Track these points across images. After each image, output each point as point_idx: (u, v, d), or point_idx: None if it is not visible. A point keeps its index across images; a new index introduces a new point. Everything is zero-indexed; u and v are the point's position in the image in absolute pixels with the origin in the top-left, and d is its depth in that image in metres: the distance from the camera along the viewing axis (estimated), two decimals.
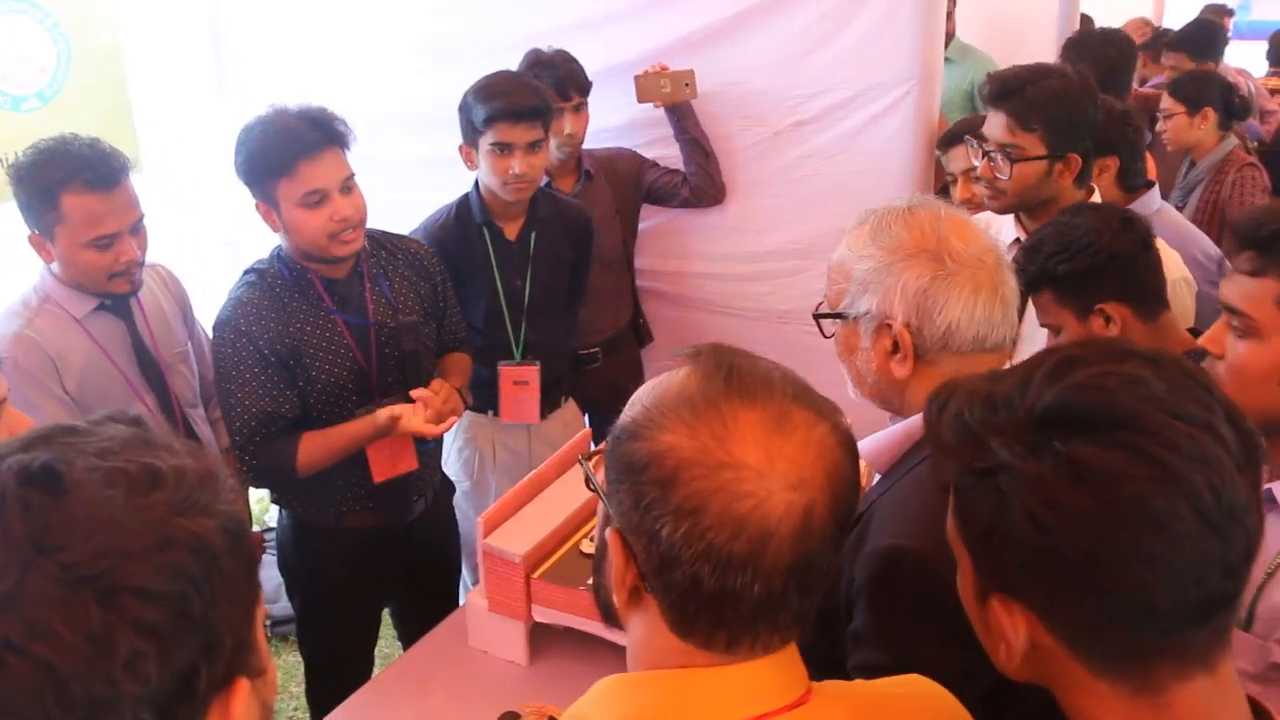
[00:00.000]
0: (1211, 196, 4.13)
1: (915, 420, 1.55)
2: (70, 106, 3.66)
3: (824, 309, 1.65)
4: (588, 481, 1.15)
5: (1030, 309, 2.56)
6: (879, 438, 1.61)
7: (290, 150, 2.40)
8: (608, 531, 1.07)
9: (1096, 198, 2.68)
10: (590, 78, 3.32)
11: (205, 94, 4.17)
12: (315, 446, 2.53)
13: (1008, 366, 1.51)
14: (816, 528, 0.99)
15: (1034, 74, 2.56)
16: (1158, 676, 0.93)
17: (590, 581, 2.15)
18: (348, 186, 2.47)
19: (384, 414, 2.51)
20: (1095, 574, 0.90)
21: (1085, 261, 2.14)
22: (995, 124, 2.58)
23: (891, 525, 1.47)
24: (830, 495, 1.00)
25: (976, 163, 2.65)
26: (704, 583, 0.98)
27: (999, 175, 2.57)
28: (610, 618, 1.14)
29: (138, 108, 3.93)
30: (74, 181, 2.34)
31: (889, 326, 1.54)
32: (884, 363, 1.57)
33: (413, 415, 2.50)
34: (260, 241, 2.69)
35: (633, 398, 1.09)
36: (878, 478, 1.66)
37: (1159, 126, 4.35)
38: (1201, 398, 0.93)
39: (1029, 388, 0.95)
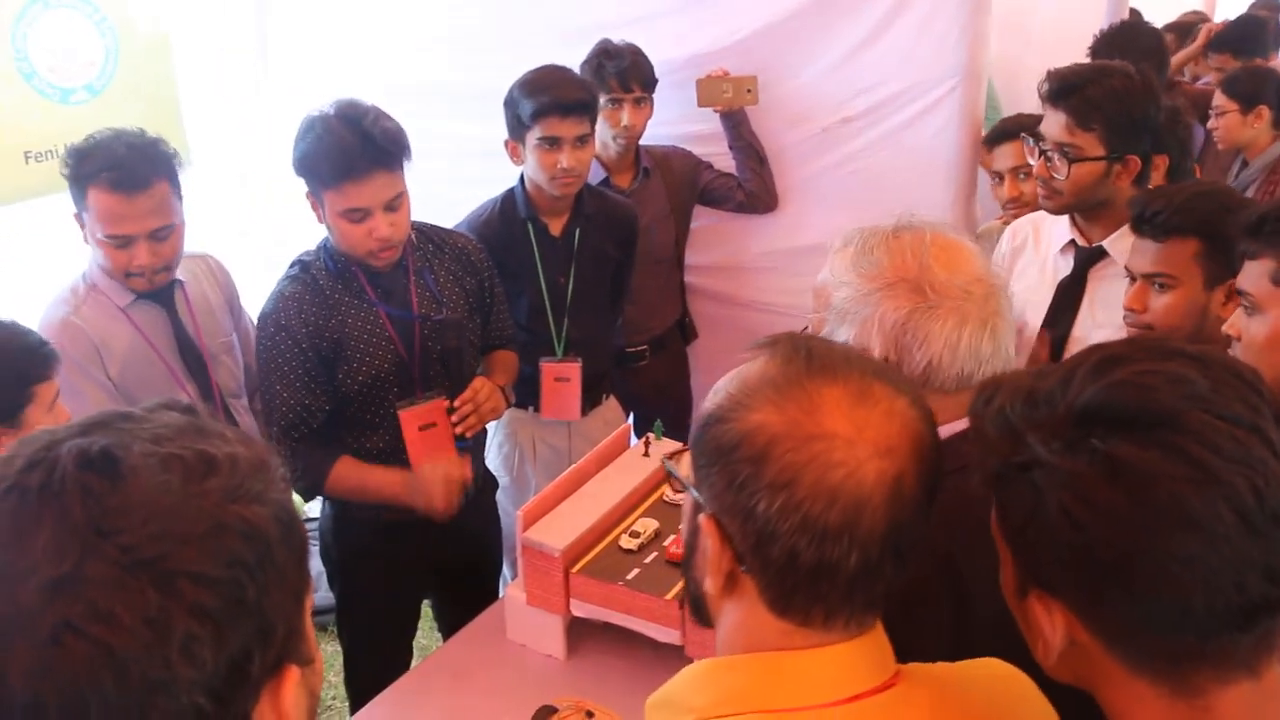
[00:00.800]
0: (1265, 197, 4.04)
1: None
2: (118, 99, 3.70)
3: (809, 332, 1.57)
4: (669, 479, 1.17)
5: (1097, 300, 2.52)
6: None
7: (337, 169, 2.38)
8: (701, 519, 1.07)
9: None
10: None
11: (252, 85, 4.19)
12: (347, 474, 2.55)
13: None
14: (907, 495, 1.01)
15: (1095, 73, 2.50)
16: (1197, 680, 0.91)
17: (629, 576, 2.17)
18: (393, 205, 2.45)
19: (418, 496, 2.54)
20: (1129, 573, 0.89)
21: None
22: (1053, 123, 2.51)
23: None
24: (918, 463, 1.02)
25: (1032, 161, 2.60)
26: (801, 555, 0.99)
27: (1056, 175, 2.50)
28: (700, 611, 1.15)
29: (185, 100, 3.96)
30: (99, 178, 2.39)
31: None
32: None
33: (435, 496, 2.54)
34: (306, 233, 2.71)
35: (714, 387, 1.10)
36: None
37: (1211, 124, 4.27)
38: (1249, 398, 0.91)
39: (1071, 384, 0.95)
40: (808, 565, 0.99)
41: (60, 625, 0.70)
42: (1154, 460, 0.87)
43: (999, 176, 3.29)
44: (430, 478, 2.54)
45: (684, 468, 1.12)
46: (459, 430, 2.60)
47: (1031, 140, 2.60)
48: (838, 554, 0.99)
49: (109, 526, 0.72)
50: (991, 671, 1.17)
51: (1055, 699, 1.18)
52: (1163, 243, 2.16)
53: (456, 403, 2.59)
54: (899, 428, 1.02)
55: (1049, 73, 2.59)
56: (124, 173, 2.38)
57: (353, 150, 2.37)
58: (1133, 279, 2.27)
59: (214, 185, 4.01)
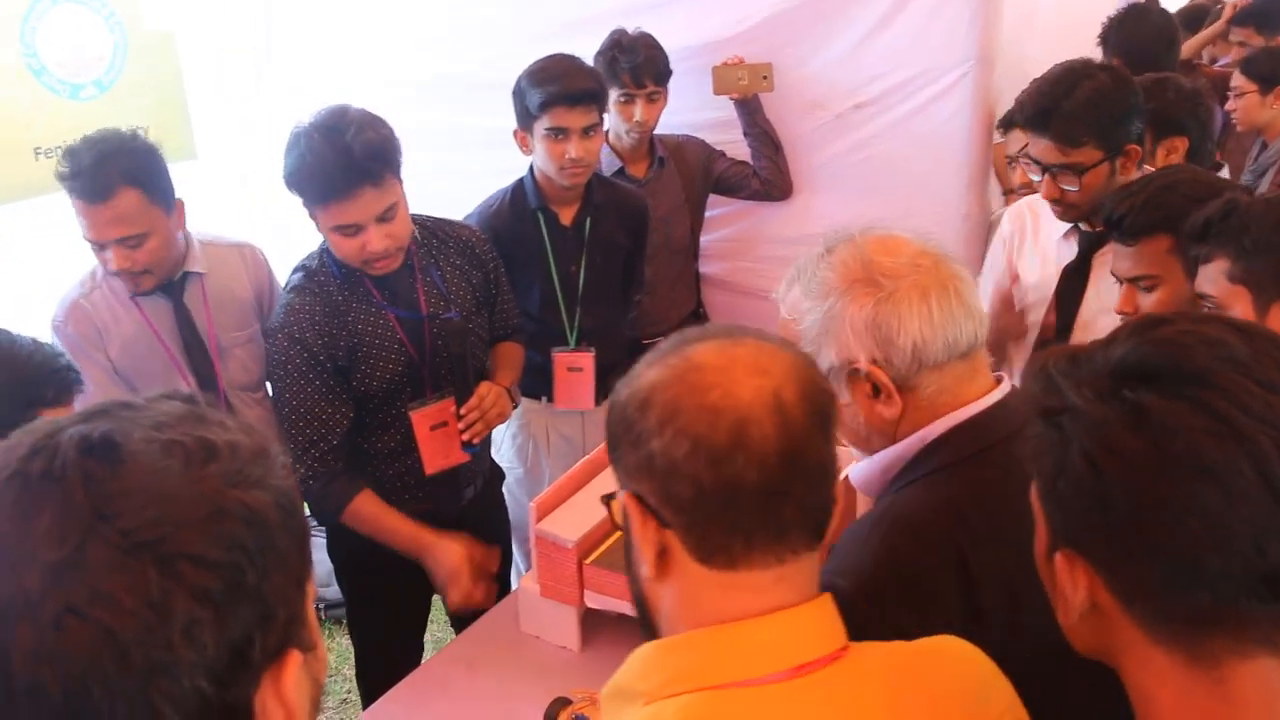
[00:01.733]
0: None
1: (902, 444, 1.48)
2: (126, 94, 3.70)
3: None
4: (610, 515, 1.20)
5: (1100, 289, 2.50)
6: (868, 463, 1.55)
7: (323, 189, 2.34)
8: (623, 497, 1.12)
9: None
10: None
11: (256, 80, 4.19)
12: (365, 512, 2.52)
13: (1008, 385, 1.49)
14: (791, 410, 1.05)
15: (1063, 88, 2.42)
16: (1213, 648, 0.90)
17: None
18: (386, 217, 2.39)
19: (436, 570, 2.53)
20: (1146, 523, 0.89)
21: None
22: (1043, 150, 2.46)
23: (836, 558, 1.43)
24: (797, 384, 1.07)
25: (1035, 178, 2.55)
26: (704, 481, 1.03)
27: (1067, 188, 2.46)
28: (646, 620, 1.16)
29: (192, 95, 3.96)
30: (67, 186, 2.40)
31: (858, 370, 1.45)
32: (870, 409, 1.47)
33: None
34: (310, 228, 2.70)
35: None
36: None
37: (1229, 105, 4.22)
38: None
39: (1114, 343, 0.97)
40: (712, 491, 1.03)
41: (62, 609, 0.70)
42: (1180, 411, 0.88)
43: (1012, 161, 3.27)
44: (452, 560, 2.49)
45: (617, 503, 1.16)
46: (465, 437, 2.58)
47: (1029, 160, 2.54)
48: (735, 471, 1.02)
49: (110, 510, 0.73)
50: (950, 648, 1.18)
51: (1074, 686, 1.17)
52: (1136, 245, 2.15)
53: (462, 410, 2.57)
54: (769, 355, 1.09)
55: (1018, 102, 2.54)
56: (84, 182, 2.37)
57: (334, 170, 2.30)
58: (1120, 282, 2.25)
59: (220, 179, 4.01)
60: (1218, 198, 1.96)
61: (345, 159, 2.30)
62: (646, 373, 1.10)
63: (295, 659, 0.81)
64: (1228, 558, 0.86)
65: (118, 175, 2.38)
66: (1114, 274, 2.23)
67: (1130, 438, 0.89)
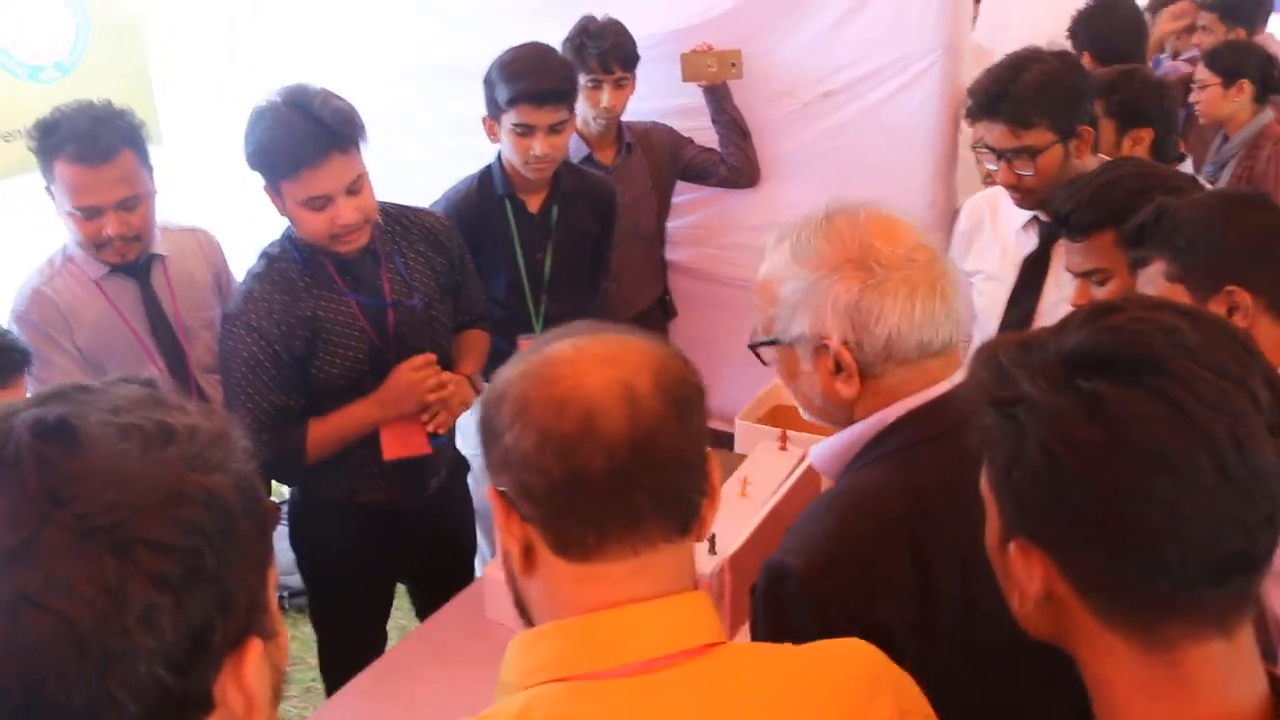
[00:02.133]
0: (1245, 172, 4.04)
1: (861, 425, 1.49)
2: (89, 77, 3.65)
3: (758, 335, 1.56)
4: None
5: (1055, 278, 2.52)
6: (828, 444, 1.55)
7: (293, 157, 2.31)
8: (487, 492, 1.13)
9: None
10: None
11: (222, 64, 4.15)
12: (323, 433, 2.49)
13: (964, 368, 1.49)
14: (644, 401, 1.04)
15: (1011, 72, 2.48)
16: (1168, 633, 0.91)
17: None
18: (354, 188, 2.38)
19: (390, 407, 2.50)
20: (1104, 515, 0.89)
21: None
22: (995, 135, 2.50)
23: (789, 539, 1.43)
24: (651, 374, 1.06)
25: (992, 167, 2.58)
26: (554, 473, 1.03)
27: (1023, 173, 2.50)
28: (523, 612, 1.16)
29: (157, 79, 3.91)
30: (63, 151, 2.38)
31: (827, 347, 1.44)
32: (829, 383, 1.47)
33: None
34: (277, 213, 2.67)
35: None
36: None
37: (1193, 97, 4.25)
38: (1239, 355, 0.91)
39: (1065, 331, 0.96)
40: (562, 481, 1.03)
41: (16, 597, 0.68)
42: (1135, 400, 0.88)
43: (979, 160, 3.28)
44: (400, 383, 2.49)
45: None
46: (430, 429, 2.57)
47: (985, 149, 2.57)
48: (581, 460, 1.02)
49: (65, 494, 0.71)
50: (835, 653, 1.15)
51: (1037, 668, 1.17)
52: (1085, 241, 2.17)
53: (423, 419, 2.56)
54: (624, 347, 1.08)
55: (969, 91, 2.58)
56: (87, 144, 2.37)
57: (305, 137, 2.29)
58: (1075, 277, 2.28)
59: (184, 164, 3.97)
60: (1163, 190, 2.00)
61: (315, 126, 2.30)
62: (507, 370, 1.11)
63: (256, 647, 0.80)
64: (1185, 546, 0.87)
65: (117, 136, 2.41)
66: (1067, 269, 2.26)
67: (1086, 428, 0.89)
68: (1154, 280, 1.85)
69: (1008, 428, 0.95)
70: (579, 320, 1.17)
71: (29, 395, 0.82)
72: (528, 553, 1.09)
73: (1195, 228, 1.80)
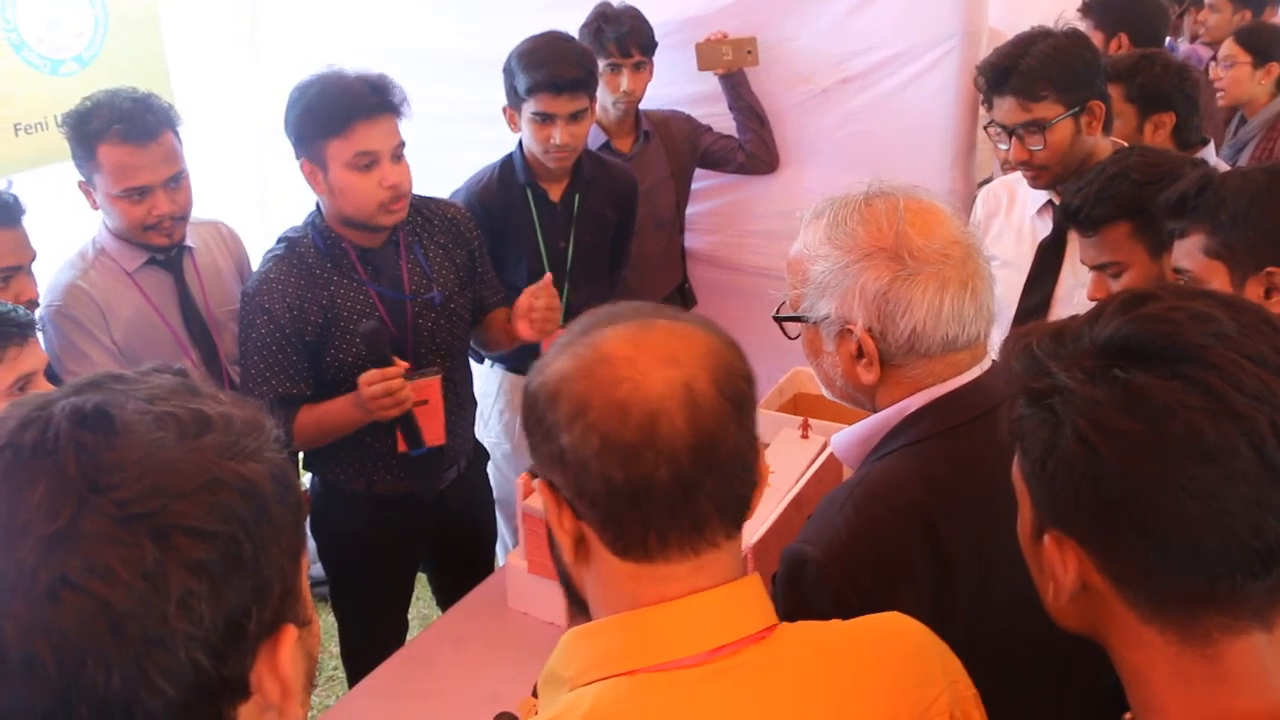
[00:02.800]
0: (1264, 154, 4.00)
1: (882, 415, 1.49)
2: (108, 70, 3.65)
3: (785, 310, 1.55)
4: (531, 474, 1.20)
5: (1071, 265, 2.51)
6: (849, 432, 1.55)
7: (347, 109, 2.36)
8: (537, 485, 1.11)
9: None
10: None
11: (241, 56, 4.15)
12: (307, 422, 2.49)
13: (988, 361, 1.49)
14: (704, 402, 1.02)
15: (1019, 47, 2.50)
16: (1206, 626, 0.90)
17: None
18: (398, 155, 2.43)
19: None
20: (1143, 506, 0.88)
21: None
22: (1005, 110, 2.51)
23: (809, 527, 1.43)
24: (709, 372, 1.03)
25: (1004, 147, 2.58)
26: (614, 478, 1.01)
27: (1033, 149, 2.49)
28: (574, 598, 1.16)
29: (174, 71, 3.92)
30: (109, 133, 2.39)
31: (850, 331, 1.44)
32: (850, 367, 1.47)
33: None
34: (292, 205, 2.68)
35: None
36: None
37: (1214, 73, 4.18)
38: (1276, 342, 0.90)
39: (1099, 320, 0.95)
40: (622, 488, 1.01)
41: (57, 581, 0.69)
42: (1174, 390, 0.87)
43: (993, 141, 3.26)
44: (369, 388, 2.38)
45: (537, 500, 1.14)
46: (537, 329, 2.55)
47: (998, 128, 2.56)
48: (645, 468, 1.00)
49: (104, 482, 0.72)
50: (886, 626, 1.17)
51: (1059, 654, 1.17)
52: (1097, 234, 2.16)
53: (518, 303, 2.55)
54: (681, 340, 1.05)
55: (978, 69, 2.59)
56: (133, 124, 2.40)
57: (361, 92, 2.37)
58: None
59: (202, 155, 3.98)
60: (1171, 177, 1.97)
61: (370, 85, 2.38)
62: (556, 361, 1.07)
63: (291, 633, 0.81)
64: (1225, 537, 0.86)
65: (158, 116, 2.45)
66: (1082, 262, 2.25)
67: (1125, 419, 0.88)
68: (1190, 254, 1.81)
69: (1043, 419, 0.94)
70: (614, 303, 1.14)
71: (65, 384, 0.82)
72: (580, 544, 1.08)
73: (1240, 202, 1.75)
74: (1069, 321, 0.98)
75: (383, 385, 2.35)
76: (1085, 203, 2.13)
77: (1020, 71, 2.46)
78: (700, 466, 1.01)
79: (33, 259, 2.36)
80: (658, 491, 1.01)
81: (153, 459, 0.74)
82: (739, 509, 1.07)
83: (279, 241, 2.55)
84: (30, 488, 0.71)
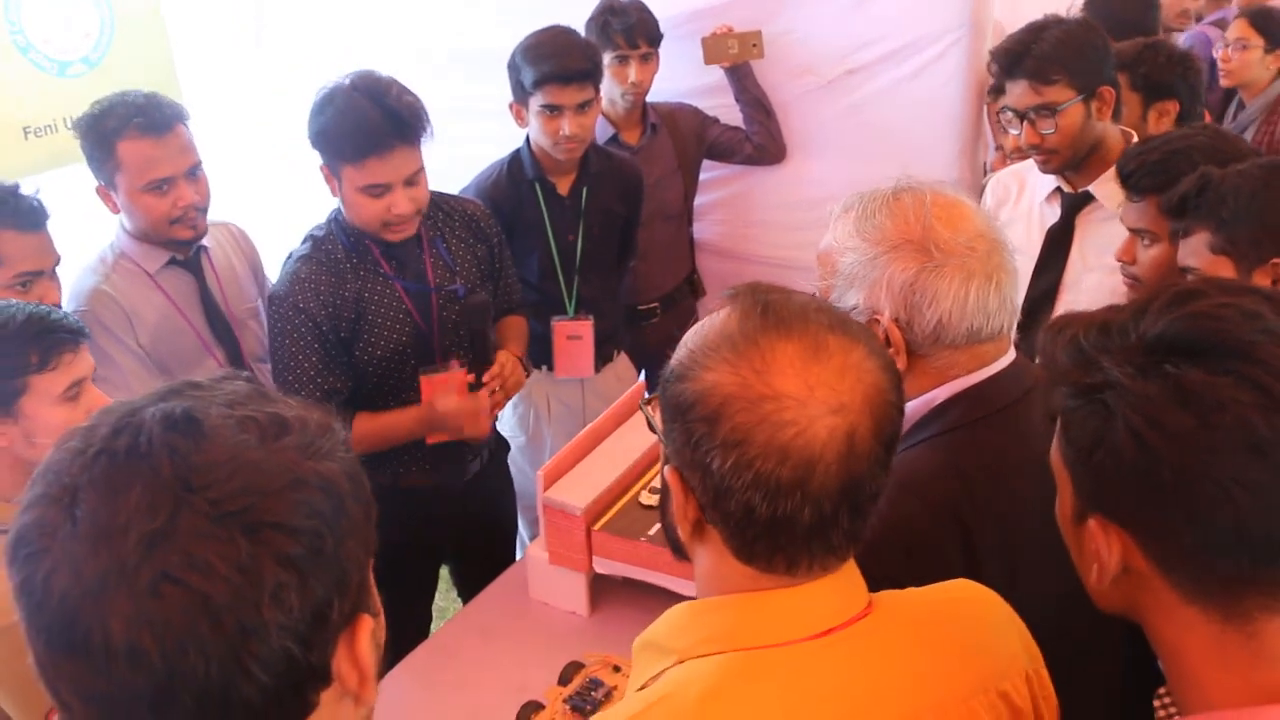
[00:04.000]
0: (1265, 138, 4.02)
1: (910, 405, 1.49)
2: (115, 70, 3.66)
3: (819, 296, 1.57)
4: (650, 424, 1.20)
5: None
6: None
7: (361, 145, 2.36)
8: (667, 470, 1.12)
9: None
10: None
11: (247, 53, 4.15)
12: (367, 429, 2.54)
13: (1013, 353, 1.52)
14: (861, 450, 1.03)
15: (1032, 33, 2.53)
16: (1246, 605, 0.93)
17: (651, 532, 2.18)
18: (413, 180, 2.44)
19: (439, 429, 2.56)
20: (1192, 495, 0.91)
21: None
22: (1017, 94, 2.54)
23: None
24: (872, 418, 1.04)
25: (1014, 131, 2.61)
26: (756, 510, 1.02)
27: (1045, 132, 2.52)
28: (679, 550, 1.18)
29: (181, 70, 3.93)
30: (128, 128, 2.42)
31: (877, 321, 1.48)
32: None
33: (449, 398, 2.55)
34: (305, 203, 2.70)
35: (681, 341, 1.13)
36: None
37: (1221, 54, 4.17)
38: None
39: (1145, 316, 0.97)
40: (763, 519, 1.03)
41: (159, 576, 0.73)
42: (1224, 386, 0.90)
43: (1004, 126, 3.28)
44: (448, 412, 2.54)
45: (656, 414, 1.15)
46: (487, 406, 2.59)
47: (1010, 113, 2.59)
48: (791, 508, 1.02)
49: (198, 482, 0.76)
50: (967, 594, 1.22)
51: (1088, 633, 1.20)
52: (1141, 200, 2.19)
53: (485, 378, 2.59)
54: (852, 382, 1.04)
55: (991, 53, 2.62)
56: (149, 117, 2.43)
57: (376, 126, 2.35)
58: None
59: (209, 156, 3.99)
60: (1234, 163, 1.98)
61: (387, 116, 2.35)
62: (716, 368, 1.05)
63: (367, 623, 0.85)
64: (1272, 525, 0.90)
65: (171, 108, 2.48)
66: (1120, 220, 2.29)
67: (1177, 413, 0.91)
68: (1197, 251, 1.86)
69: (1093, 410, 0.97)
70: (758, 285, 1.12)
71: (145, 394, 0.85)
72: (699, 528, 1.10)
73: (1240, 199, 1.80)
74: (1113, 314, 1.01)
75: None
76: (1140, 169, 2.17)
77: (1034, 55, 2.49)
78: (843, 508, 1.04)
79: (56, 263, 2.37)
80: (797, 528, 1.03)
81: (240, 460, 0.78)
82: (864, 530, 1.10)
83: (304, 241, 2.58)
84: (127, 490, 0.75)
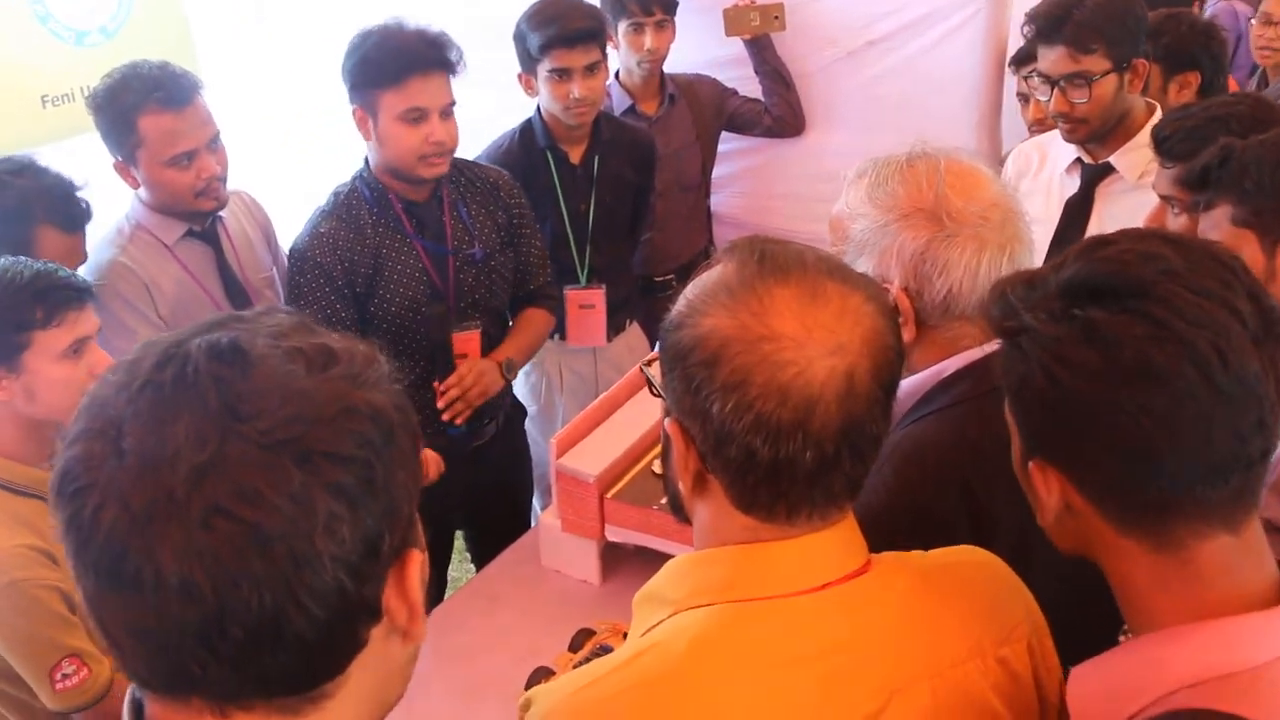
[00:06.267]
0: None
1: (919, 377, 1.50)
2: (133, 40, 3.65)
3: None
4: (649, 384, 1.21)
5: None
6: None
7: (404, 64, 2.42)
8: (667, 422, 1.12)
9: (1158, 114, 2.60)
10: None
11: (256, 27, 4.15)
12: None
13: None
14: (860, 391, 1.03)
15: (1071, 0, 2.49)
16: (1177, 533, 0.99)
17: (663, 501, 2.18)
18: (447, 113, 2.49)
19: None
20: (1105, 428, 0.97)
21: None
22: (1054, 59, 2.50)
23: None
24: (870, 360, 1.04)
25: (1043, 99, 2.58)
26: (758, 454, 1.02)
27: (1077, 101, 2.49)
28: (679, 510, 1.19)
29: (199, 39, 3.92)
30: (148, 102, 2.38)
31: (887, 290, 1.44)
32: None
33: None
34: (320, 171, 2.70)
35: (680, 294, 1.13)
36: None
37: (1257, 31, 4.11)
38: (1222, 275, 0.98)
39: (1064, 265, 1.04)
40: (765, 463, 1.03)
41: (209, 508, 0.71)
42: (1123, 323, 0.96)
43: (1024, 98, 3.25)
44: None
45: (658, 372, 1.15)
46: (446, 418, 2.61)
47: (1039, 80, 2.56)
48: (793, 450, 1.02)
49: (246, 411, 0.74)
50: (970, 558, 1.22)
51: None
52: (1175, 167, 2.15)
53: (441, 388, 2.60)
54: (850, 325, 1.04)
55: (1028, 15, 2.58)
56: (169, 90, 2.39)
57: (418, 48, 2.43)
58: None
59: (227, 124, 3.99)
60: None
61: (427, 41, 2.45)
62: (714, 313, 1.05)
63: (416, 558, 0.83)
64: (1180, 453, 0.96)
65: (188, 80, 2.45)
66: (1153, 188, 2.24)
67: (1082, 351, 0.97)
68: (1219, 225, 1.81)
69: (1015, 356, 1.03)
70: (755, 237, 1.12)
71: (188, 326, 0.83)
72: (700, 482, 1.10)
73: (1264, 170, 1.75)
74: (1042, 268, 1.07)
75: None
76: (1176, 134, 2.13)
77: (1075, 21, 2.45)
78: (844, 451, 1.04)
79: (81, 263, 2.37)
80: (799, 471, 1.03)
81: (289, 389, 0.76)
82: (862, 480, 1.10)
83: (330, 196, 2.62)
84: (174, 421, 0.73)
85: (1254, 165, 1.77)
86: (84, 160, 2.58)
